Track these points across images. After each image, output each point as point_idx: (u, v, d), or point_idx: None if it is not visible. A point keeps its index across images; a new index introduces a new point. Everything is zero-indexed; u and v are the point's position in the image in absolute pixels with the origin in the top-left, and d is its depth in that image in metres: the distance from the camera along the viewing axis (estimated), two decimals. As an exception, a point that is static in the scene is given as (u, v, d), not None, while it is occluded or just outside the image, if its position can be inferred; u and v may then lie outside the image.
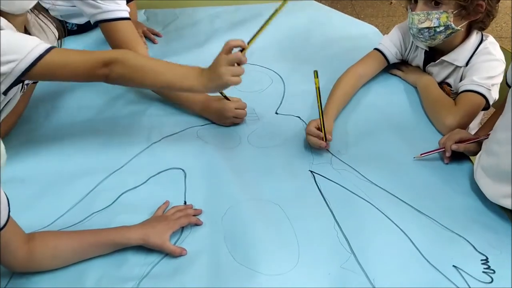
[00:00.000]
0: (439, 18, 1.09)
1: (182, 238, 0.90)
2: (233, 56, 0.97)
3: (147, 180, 1.02)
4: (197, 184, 1.02)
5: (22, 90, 1.05)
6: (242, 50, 1.00)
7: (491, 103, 1.14)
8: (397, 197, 0.98)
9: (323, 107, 1.09)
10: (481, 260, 0.86)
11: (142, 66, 0.97)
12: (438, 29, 1.10)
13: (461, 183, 1.01)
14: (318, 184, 1.02)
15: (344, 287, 0.82)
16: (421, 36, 1.13)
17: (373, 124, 1.17)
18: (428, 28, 1.10)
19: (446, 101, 1.16)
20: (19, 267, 0.80)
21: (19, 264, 0.79)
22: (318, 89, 1.03)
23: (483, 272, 0.84)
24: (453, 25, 1.10)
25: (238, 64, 0.98)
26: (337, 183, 1.02)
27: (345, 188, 1.01)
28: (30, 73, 0.86)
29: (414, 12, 1.12)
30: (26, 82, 1.05)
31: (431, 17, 1.09)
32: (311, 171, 1.05)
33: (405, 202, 0.97)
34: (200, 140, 1.13)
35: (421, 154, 1.06)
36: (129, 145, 1.11)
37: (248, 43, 1.01)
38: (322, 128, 1.05)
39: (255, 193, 0.99)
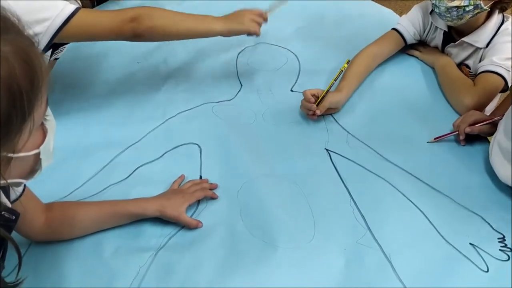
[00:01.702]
0: None
1: (198, 211, 0.91)
2: (257, 11, 1.10)
3: (163, 155, 1.03)
4: (212, 160, 1.02)
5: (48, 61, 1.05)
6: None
7: (510, 84, 1.12)
8: (413, 175, 0.97)
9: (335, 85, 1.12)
10: (498, 238, 0.85)
11: (166, 17, 1.02)
12: (467, 8, 1.07)
13: (478, 162, 1.01)
14: (334, 162, 1.01)
15: (360, 262, 0.82)
16: (449, 15, 1.11)
17: (390, 104, 1.16)
18: (458, 7, 1.08)
19: (465, 81, 1.15)
20: (37, 236, 0.81)
21: (37, 233, 0.80)
22: (341, 71, 1.06)
23: (500, 250, 0.83)
24: (482, 5, 1.07)
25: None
26: (352, 161, 1.01)
27: (360, 165, 1.00)
28: (63, 32, 0.87)
29: None
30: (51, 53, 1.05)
31: None
32: (327, 149, 1.05)
33: (421, 180, 0.96)
34: (216, 116, 1.13)
35: (435, 138, 1.05)
36: (145, 120, 1.11)
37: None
38: (320, 98, 1.08)
39: (271, 169, 0.99)
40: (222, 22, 1.07)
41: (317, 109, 1.07)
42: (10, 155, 0.51)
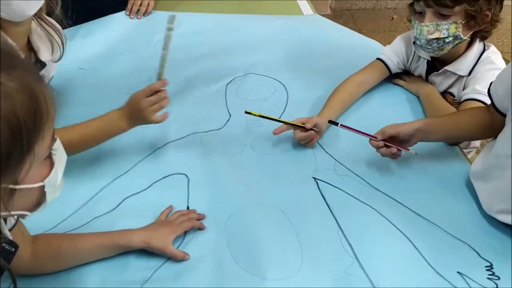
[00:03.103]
0: (449, 28, 1.09)
1: (185, 242, 0.90)
2: (154, 98, 0.98)
3: (150, 185, 1.03)
4: (200, 190, 1.02)
5: None
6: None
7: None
8: (400, 203, 0.98)
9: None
10: (486, 266, 0.85)
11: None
12: (447, 40, 1.11)
13: (463, 189, 1.02)
14: (322, 190, 1.02)
15: (348, 293, 0.82)
16: (430, 47, 1.14)
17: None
18: (437, 39, 1.11)
19: (449, 109, 1.17)
20: (23, 269, 0.80)
21: (23, 265, 0.79)
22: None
23: (488, 278, 0.83)
24: (461, 35, 1.11)
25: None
26: (340, 189, 1.02)
27: (348, 194, 1.01)
28: None
29: (423, 24, 1.11)
30: None
31: (441, 27, 1.09)
32: (314, 178, 1.05)
33: (408, 208, 0.97)
34: (204, 146, 1.13)
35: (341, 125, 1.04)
36: (133, 151, 1.11)
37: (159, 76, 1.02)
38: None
39: (259, 198, 0.99)
40: (126, 122, 0.99)
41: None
42: (11, 186, 0.52)
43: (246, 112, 1.10)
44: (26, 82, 0.51)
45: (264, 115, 1.11)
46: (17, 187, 0.52)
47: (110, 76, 1.37)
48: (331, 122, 1.07)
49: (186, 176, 1.05)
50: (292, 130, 1.12)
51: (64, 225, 0.92)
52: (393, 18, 3.35)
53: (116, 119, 0.99)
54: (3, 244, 0.61)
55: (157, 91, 0.99)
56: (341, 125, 1.03)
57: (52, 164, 0.58)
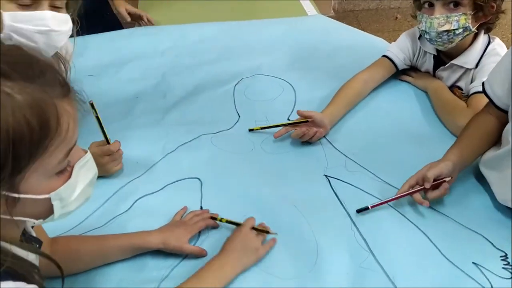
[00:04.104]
0: (459, 20, 1.10)
1: (200, 241, 0.91)
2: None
3: (163, 187, 1.04)
4: (213, 191, 1.03)
5: None
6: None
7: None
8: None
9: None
10: (501, 256, 0.86)
11: None
12: (457, 32, 1.11)
13: (475, 181, 1.02)
14: (333, 187, 1.02)
15: (364, 286, 0.82)
16: (440, 40, 1.14)
17: (385, 128, 1.18)
18: (448, 31, 1.11)
19: (458, 103, 1.17)
20: (42, 271, 0.81)
21: (42, 267, 0.80)
22: None
23: (503, 268, 0.83)
24: (470, 27, 1.11)
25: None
26: (352, 185, 1.02)
27: (360, 189, 1.01)
28: None
29: (433, 16, 1.12)
30: None
31: (451, 19, 1.10)
32: (326, 175, 1.06)
33: (421, 202, 0.97)
34: (215, 146, 1.14)
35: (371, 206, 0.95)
36: (145, 156, 1.12)
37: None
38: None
39: (271, 197, 1.00)
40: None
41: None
42: (12, 195, 0.53)
43: (250, 130, 1.16)
44: (37, 97, 0.52)
45: (266, 126, 1.15)
46: (17, 195, 0.53)
47: (118, 82, 1.38)
48: (359, 211, 0.94)
49: (199, 179, 1.06)
50: None
51: (81, 227, 0.93)
52: (396, 18, 3.36)
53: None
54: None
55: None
56: (371, 206, 0.94)
57: (67, 178, 0.59)
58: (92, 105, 0.99)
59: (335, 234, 0.91)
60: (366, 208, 0.94)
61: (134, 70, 1.43)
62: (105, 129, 1.03)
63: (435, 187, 0.94)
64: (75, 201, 0.61)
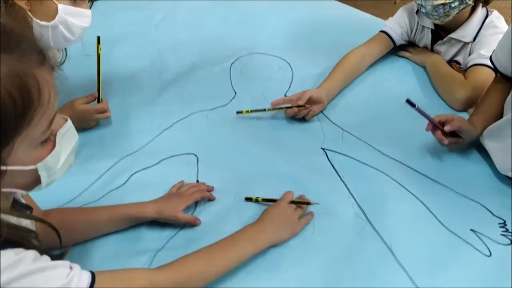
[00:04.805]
0: None
1: (196, 213, 0.90)
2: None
3: (159, 162, 1.03)
4: (209, 165, 1.02)
5: None
6: None
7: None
8: (410, 167, 0.98)
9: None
10: (499, 224, 0.85)
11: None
12: (453, 5, 1.10)
13: (474, 152, 1.01)
14: (331, 160, 1.02)
15: (362, 253, 0.81)
16: (435, 13, 1.13)
17: (383, 102, 1.17)
18: (443, 4, 1.10)
19: (456, 76, 1.16)
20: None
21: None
22: None
23: (502, 234, 0.83)
24: (467, 0, 1.10)
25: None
26: (349, 157, 1.02)
27: (357, 160, 1.00)
28: None
29: None
30: None
31: None
32: (323, 149, 1.05)
33: (418, 172, 0.97)
34: (210, 123, 1.13)
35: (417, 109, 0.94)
36: (141, 133, 1.11)
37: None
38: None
39: (268, 169, 0.99)
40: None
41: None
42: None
43: (238, 113, 1.13)
44: (16, 68, 0.51)
45: (255, 109, 1.13)
46: (4, 168, 0.53)
47: (113, 62, 1.37)
48: (408, 102, 0.94)
49: (195, 155, 1.05)
50: None
51: (76, 202, 0.93)
52: (396, 2, 3.33)
53: None
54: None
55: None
56: (417, 108, 0.95)
57: (52, 148, 0.58)
58: (98, 39, 1.06)
59: (333, 204, 0.91)
60: (413, 105, 0.93)
61: (128, 47, 1.41)
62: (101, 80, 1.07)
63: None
64: (60, 169, 0.61)
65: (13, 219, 0.59)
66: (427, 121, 1.05)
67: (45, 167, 0.57)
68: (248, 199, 0.90)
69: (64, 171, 0.62)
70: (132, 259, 0.81)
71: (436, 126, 0.97)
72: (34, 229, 0.65)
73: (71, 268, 0.60)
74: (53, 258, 0.62)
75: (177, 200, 0.88)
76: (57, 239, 0.81)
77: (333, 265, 0.79)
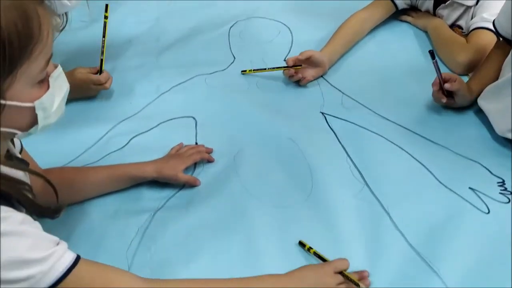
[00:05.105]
0: None
1: (195, 174, 0.90)
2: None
3: (157, 125, 1.02)
4: (207, 128, 1.02)
5: None
6: None
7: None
8: (409, 130, 0.97)
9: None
10: (498, 182, 0.85)
11: None
12: None
13: (473, 116, 1.01)
14: (330, 124, 1.01)
15: (358, 215, 0.82)
16: None
17: (383, 66, 1.16)
18: None
19: (457, 40, 1.15)
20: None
21: (37, 198, 0.80)
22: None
23: (500, 193, 0.83)
24: None
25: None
26: (348, 121, 1.01)
27: (356, 124, 1.00)
28: None
29: None
30: None
31: None
32: (322, 113, 1.04)
33: (417, 134, 0.96)
34: (209, 87, 1.13)
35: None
36: (138, 96, 1.11)
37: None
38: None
39: (267, 132, 0.99)
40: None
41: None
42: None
43: (242, 72, 1.13)
44: (21, 2, 0.52)
45: (259, 69, 1.12)
46: (3, 102, 0.53)
47: (111, 28, 1.34)
48: (430, 53, 0.93)
49: (194, 118, 1.05)
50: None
51: (74, 163, 0.92)
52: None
53: None
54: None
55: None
56: (435, 62, 0.94)
57: (47, 89, 0.59)
58: (106, 7, 1.05)
59: (331, 167, 0.91)
60: (433, 57, 0.93)
61: (127, 14, 1.39)
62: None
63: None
64: (54, 113, 0.61)
65: (5, 170, 0.59)
66: (428, 84, 1.05)
67: (41, 106, 0.58)
68: (301, 244, 0.77)
69: (58, 117, 0.63)
70: (131, 218, 0.82)
71: (440, 84, 0.97)
72: (28, 182, 0.65)
73: (57, 244, 0.58)
74: (48, 213, 0.64)
75: (177, 161, 0.88)
76: (59, 199, 0.82)
77: (330, 226, 0.80)
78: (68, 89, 0.64)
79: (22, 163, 0.68)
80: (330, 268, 0.70)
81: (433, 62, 0.94)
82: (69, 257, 0.58)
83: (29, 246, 0.54)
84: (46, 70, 0.58)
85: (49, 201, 0.81)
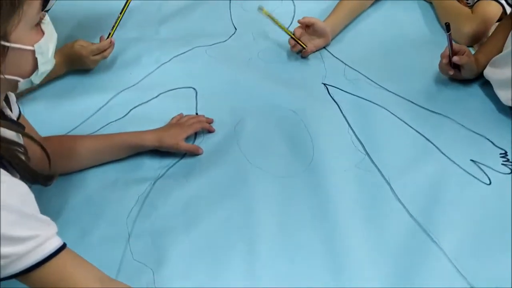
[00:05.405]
0: None
1: (196, 144, 0.90)
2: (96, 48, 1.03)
3: (157, 96, 1.02)
4: (208, 100, 1.01)
5: None
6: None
7: (508, 11, 1.09)
8: (412, 102, 0.96)
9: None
10: (500, 154, 0.84)
11: None
12: None
13: (477, 87, 0.99)
14: (332, 95, 1.00)
15: (359, 185, 0.81)
16: None
17: (387, 37, 1.14)
18: None
19: (462, 10, 1.12)
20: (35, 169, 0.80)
21: (34, 165, 0.79)
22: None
23: (502, 164, 0.82)
24: None
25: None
26: (350, 93, 1.00)
27: (358, 96, 0.99)
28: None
29: None
30: None
31: None
32: (324, 84, 1.03)
33: (421, 106, 0.95)
34: (210, 58, 1.11)
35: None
36: (138, 67, 1.09)
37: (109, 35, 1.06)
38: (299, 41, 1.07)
39: (268, 102, 0.98)
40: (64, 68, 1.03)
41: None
42: (3, 43, 0.53)
43: (259, 8, 1.08)
44: None
45: (275, 19, 1.08)
46: (8, 44, 0.54)
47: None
48: (447, 25, 0.92)
49: (194, 89, 1.04)
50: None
51: (73, 133, 0.92)
52: None
53: (58, 64, 0.96)
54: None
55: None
56: (449, 34, 0.93)
57: (43, 34, 0.60)
58: None
59: (332, 138, 0.90)
60: (449, 30, 0.91)
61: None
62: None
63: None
64: (50, 60, 0.62)
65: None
66: (432, 56, 1.03)
67: (40, 50, 0.59)
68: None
69: (52, 65, 0.63)
70: (131, 187, 0.82)
71: (449, 57, 0.95)
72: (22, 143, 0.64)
73: (48, 225, 0.55)
74: (41, 180, 0.63)
75: (178, 130, 0.87)
76: (59, 167, 0.82)
77: (330, 196, 0.79)
78: (56, 40, 0.64)
79: (18, 126, 0.67)
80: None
81: (448, 35, 0.92)
82: (54, 245, 0.54)
83: (19, 224, 0.51)
84: (40, 13, 0.58)
85: (45, 171, 0.81)
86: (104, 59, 1.06)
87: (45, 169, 0.80)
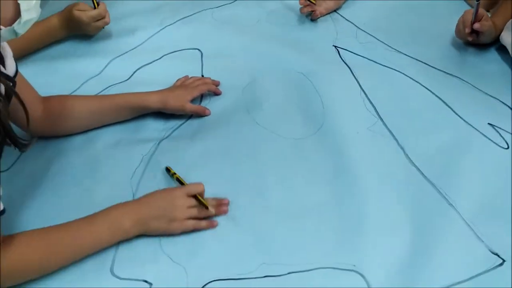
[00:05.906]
0: None
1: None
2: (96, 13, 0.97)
3: (161, 57, 0.98)
4: (215, 62, 0.97)
5: None
6: None
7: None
8: (427, 64, 0.93)
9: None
10: (517, 117, 0.81)
11: None
12: None
13: (494, 52, 0.96)
14: (343, 57, 0.96)
15: (372, 147, 0.79)
16: None
17: (401, 1, 1.09)
18: None
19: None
20: (35, 129, 0.76)
21: (35, 126, 0.75)
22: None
23: (520, 128, 0.79)
24: None
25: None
26: (362, 56, 0.96)
27: (371, 60, 0.95)
28: None
29: None
30: None
31: None
32: (335, 46, 0.99)
33: (436, 68, 0.92)
34: (216, 20, 1.07)
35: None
36: (141, 28, 1.05)
37: None
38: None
39: (277, 65, 0.94)
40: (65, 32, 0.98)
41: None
42: None
43: None
44: None
45: None
46: None
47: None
48: None
49: (199, 50, 1.00)
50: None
51: (77, 93, 0.89)
52: None
53: (58, 28, 0.97)
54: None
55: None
56: (479, 3, 0.89)
57: None
58: None
59: (344, 101, 0.87)
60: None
61: None
62: None
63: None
64: (34, 8, 0.57)
65: None
66: (447, 19, 0.99)
67: None
68: (167, 170, 0.75)
69: (37, 14, 0.58)
70: (136, 147, 0.79)
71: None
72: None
73: None
74: (19, 143, 0.59)
75: (183, 91, 0.84)
76: (60, 127, 0.79)
77: (341, 159, 0.76)
78: None
79: (7, 78, 0.62)
80: (181, 191, 0.68)
81: (477, 3, 0.88)
82: None
83: None
84: None
85: (46, 131, 0.78)
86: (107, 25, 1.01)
87: (45, 131, 0.78)
